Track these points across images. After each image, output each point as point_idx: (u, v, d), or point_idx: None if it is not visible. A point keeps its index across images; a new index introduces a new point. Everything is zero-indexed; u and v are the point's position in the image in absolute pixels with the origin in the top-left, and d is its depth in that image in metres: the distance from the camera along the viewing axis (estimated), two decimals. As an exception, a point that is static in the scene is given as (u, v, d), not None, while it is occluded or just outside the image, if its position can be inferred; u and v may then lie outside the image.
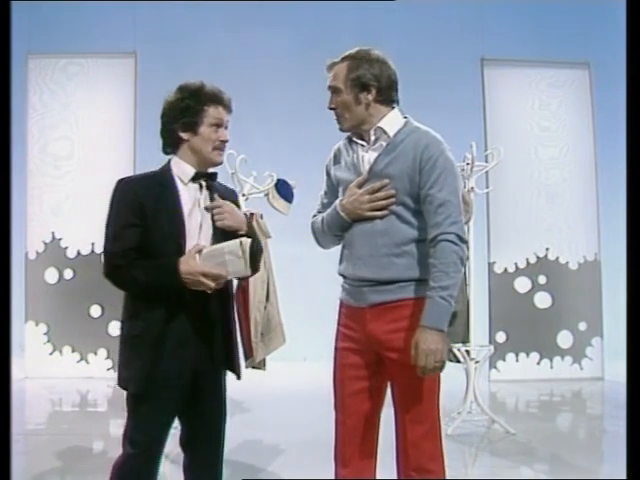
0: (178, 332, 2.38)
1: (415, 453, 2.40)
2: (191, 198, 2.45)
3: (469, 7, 7.32)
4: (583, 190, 7.15)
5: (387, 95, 2.44)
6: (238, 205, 2.61)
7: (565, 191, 7.13)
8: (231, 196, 2.61)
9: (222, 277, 2.34)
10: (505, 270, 7.01)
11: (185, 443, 2.56)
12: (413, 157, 2.36)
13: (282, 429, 5.03)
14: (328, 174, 2.58)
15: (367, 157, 2.44)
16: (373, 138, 2.43)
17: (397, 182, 2.36)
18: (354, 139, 2.48)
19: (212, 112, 2.45)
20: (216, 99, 2.47)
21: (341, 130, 2.49)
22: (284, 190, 5.05)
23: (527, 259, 7.02)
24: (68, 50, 7.16)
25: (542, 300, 7.01)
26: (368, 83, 2.39)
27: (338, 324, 2.55)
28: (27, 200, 7.02)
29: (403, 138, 2.40)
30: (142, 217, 2.37)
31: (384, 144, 2.41)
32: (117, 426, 4.75)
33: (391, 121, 2.43)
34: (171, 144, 2.50)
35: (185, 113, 2.43)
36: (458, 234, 2.32)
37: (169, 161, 2.51)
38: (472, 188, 5.11)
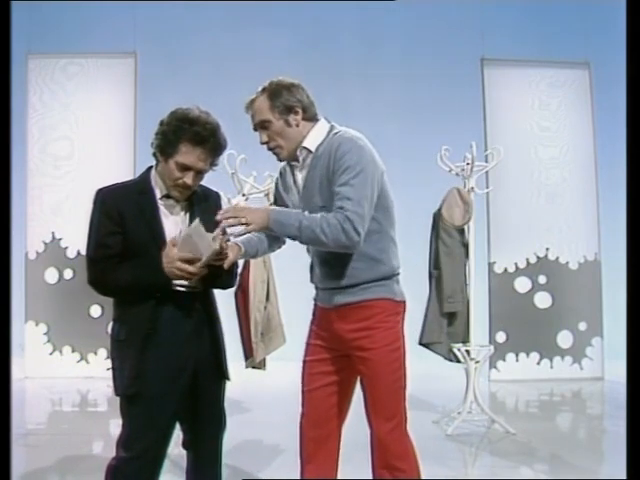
0: (165, 335, 2.40)
1: (383, 451, 2.47)
2: (169, 208, 2.46)
3: (469, 7, 7.32)
4: (583, 190, 7.15)
5: (311, 112, 2.51)
6: (220, 207, 2.56)
7: (565, 191, 7.13)
8: (214, 199, 2.59)
9: (197, 259, 2.33)
10: (505, 270, 7.01)
11: (186, 446, 2.57)
12: (327, 163, 2.42)
13: (282, 429, 5.02)
14: (277, 190, 2.68)
15: (300, 177, 2.53)
16: (301, 159, 2.51)
17: (326, 191, 2.42)
18: (287, 161, 2.56)
19: (184, 153, 2.35)
20: (198, 140, 2.35)
21: (280, 160, 2.56)
22: (284, 190, 5.05)
23: (527, 259, 7.02)
24: (68, 50, 7.16)
25: (542, 300, 7.01)
26: (293, 105, 2.46)
27: (311, 322, 2.65)
28: (27, 200, 7.02)
29: (323, 149, 2.46)
30: (121, 224, 2.39)
31: (309, 161, 2.49)
32: (117, 426, 4.72)
33: (315, 135, 2.50)
34: (154, 157, 2.48)
35: (163, 137, 2.38)
36: (351, 218, 2.31)
37: (149, 170, 2.51)
38: (472, 188, 5.11)
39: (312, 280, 2.60)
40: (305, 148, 2.49)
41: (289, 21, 7.75)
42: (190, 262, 2.33)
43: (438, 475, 3.84)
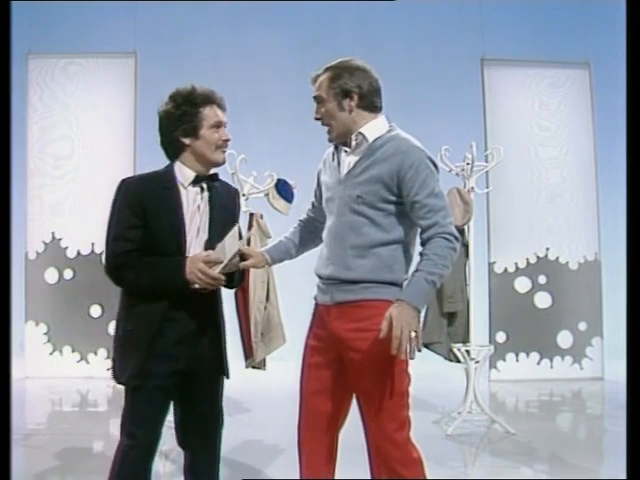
0: (172, 331, 2.41)
1: (383, 456, 2.42)
2: (191, 201, 2.47)
3: (469, 7, 7.32)
4: (583, 190, 7.14)
5: (370, 101, 2.49)
6: (238, 204, 2.66)
7: (565, 191, 7.12)
8: (232, 196, 2.63)
9: (220, 261, 2.39)
10: (505, 270, 7.01)
11: (183, 444, 2.57)
12: (391, 164, 2.40)
13: (282, 429, 5.00)
14: (318, 177, 2.66)
15: (347, 161, 2.49)
16: (354, 143, 2.48)
17: (371, 186, 2.41)
18: (339, 145, 2.55)
19: (209, 113, 2.47)
20: (210, 100, 2.48)
21: (330, 141, 2.55)
22: (284, 190, 5.06)
23: (527, 259, 7.02)
24: (68, 50, 7.15)
25: (542, 300, 7.01)
26: (350, 90, 2.45)
27: (311, 322, 2.62)
28: (27, 200, 7.01)
29: (382, 144, 2.45)
30: (144, 218, 2.40)
31: (363, 149, 2.47)
32: (117, 426, 4.73)
33: (373, 127, 2.48)
34: (174, 152, 2.50)
35: (183, 119, 2.45)
36: (453, 233, 2.37)
37: (171, 164, 2.52)
38: (472, 188, 5.11)
39: (317, 270, 2.54)
40: (362, 134, 2.46)
41: (289, 21, 7.75)
42: (213, 265, 2.36)
43: (438, 475, 3.83)
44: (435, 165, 2.47)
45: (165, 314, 2.40)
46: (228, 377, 2.58)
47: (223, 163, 2.54)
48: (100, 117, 7.08)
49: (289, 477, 3.90)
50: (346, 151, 2.51)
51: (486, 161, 5.44)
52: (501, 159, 5.30)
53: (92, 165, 6.95)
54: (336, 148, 2.56)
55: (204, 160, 2.49)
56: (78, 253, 6.96)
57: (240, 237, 2.46)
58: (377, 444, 2.43)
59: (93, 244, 6.83)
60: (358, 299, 2.42)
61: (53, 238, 7.03)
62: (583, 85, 7.22)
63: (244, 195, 4.88)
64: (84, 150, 7.05)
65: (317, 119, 2.51)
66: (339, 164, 2.51)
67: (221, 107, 2.51)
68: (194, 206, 2.47)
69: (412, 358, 2.35)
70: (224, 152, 2.52)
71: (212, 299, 2.52)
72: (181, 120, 2.44)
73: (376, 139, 2.45)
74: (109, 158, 6.96)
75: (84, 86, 7.13)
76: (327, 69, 2.50)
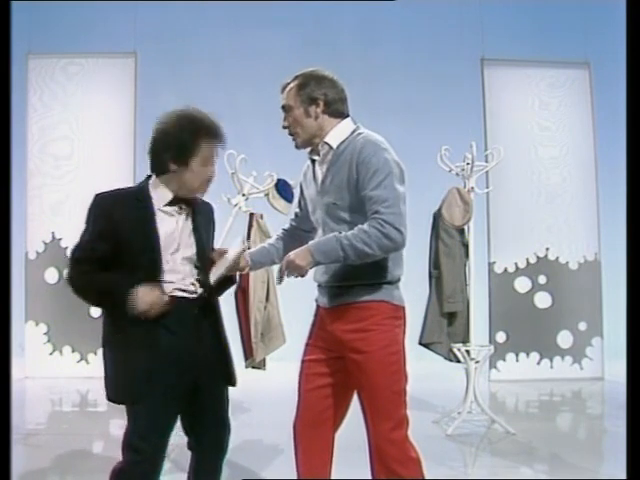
0: (170, 342, 2.39)
1: (381, 455, 2.44)
2: (166, 217, 2.44)
3: (469, 7, 7.32)
4: (583, 190, 7.15)
5: (335, 107, 2.54)
6: (213, 220, 2.63)
7: (565, 191, 7.13)
8: (207, 211, 2.61)
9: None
10: (505, 270, 7.01)
11: (191, 447, 2.58)
12: (349, 164, 2.44)
13: (282, 429, 5.00)
14: (301, 188, 2.73)
15: (319, 171, 2.56)
16: (322, 153, 2.54)
17: (341, 192, 2.46)
18: (310, 155, 2.60)
19: (205, 149, 2.41)
20: (212, 134, 2.43)
21: (296, 147, 2.60)
22: (284, 190, 5.06)
23: (527, 259, 7.02)
24: (68, 50, 7.16)
25: (542, 300, 7.01)
26: (316, 97, 2.52)
27: (312, 324, 2.66)
28: (27, 200, 7.02)
29: (344, 148, 2.49)
30: (115, 230, 2.36)
31: (330, 157, 2.51)
32: (117, 426, 4.75)
33: (337, 133, 2.52)
34: (157, 169, 2.46)
35: (179, 145, 2.38)
36: (389, 221, 2.33)
37: (147, 179, 2.49)
38: (472, 188, 5.11)
39: (315, 277, 2.59)
40: (326, 143, 2.52)
41: (289, 21, 7.74)
42: (153, 306, 2.33)
43: (438, 475, 3.84)
44: (395, 161, 2.45)
45: (162, 325, 2.38)
46: (234, 385, 2.57)
47: (204, 194, 2.52)
48: (100, 117, 7.08)
49: (289, 477, 3.91)
50: (315, 160, 2.57)
51: (486, 161, 5.44)
52: (501, 159, 5.30)
53: (92, 165, 6.96)
54: (312, 161, 2.61)
55: (186, 189, 2.45)
56: (78, 253, 6.96)
57: (243, 250, 2.51)
58: (375, 443, 2.46)
59: (93, 244, 6.83)
60: (356, 301, 2.46)
61: (53, 238, 7.04)
62: (583, 85, 7.22)
63: (244, 195, 4.88)
64: (84, 150, 7.06)
65: (284, 127, 2.58)
66: (314, 175, 2.58)
67: (221, 143, 2.47)
68: (171, 221, 2.44)
69: (279, 283, 2.47)
70: (208, 186, 2.48)
71: (209, 307, 2.51)
72: (176, 146, 2.39)
73: (340, 144, 2.50)
74: (109, 158, 6.97)
75: (84, 86, 7.13)
76: (295, 78, 2.56)
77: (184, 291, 2.44)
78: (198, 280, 2.47)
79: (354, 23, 7.80)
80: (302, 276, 2.40)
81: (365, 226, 2.34)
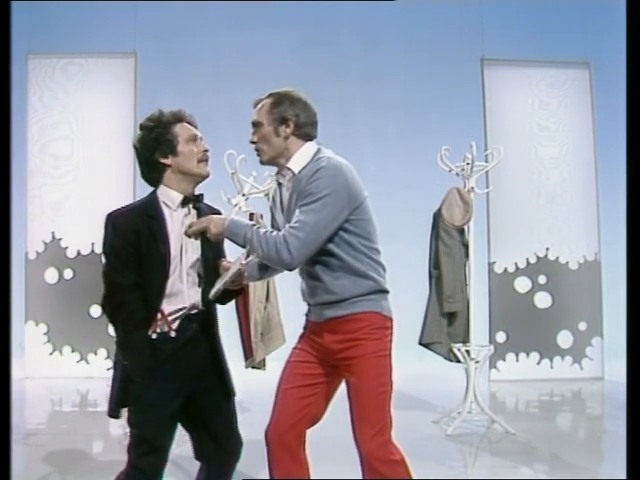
0: (168, 357, 2.43)
1: (368, 458, 2.47)
2: (178, 224, 2.47)
3: (469, 7, 7.32)
4: (583, 190, 7.15)
5: (305, 130, 2.55)
6: None
7: (565, 191, 7.13)
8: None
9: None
10: (505, 270, 7.01)
11: (199, 458, 2.64)
12: (304, 189, 2.45)
13: (282, 429, 5.01)
14: (271, 213, 2.74)
15: (285, 196, 2.59)
16: (286, 179, 2.56)
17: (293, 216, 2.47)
18: (277, 178, 2.63)
19: (180, 130, 2.49)
20: (178, 118, 2.51)
21: (261, 163, 2.62)
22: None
23: (527, 259, 7.02)
24: (68, 50, 7.16)
25: (542, 300, 7.01)
26: (287, 117, 2.51)
27: (301, 335, 2.69)
28: (27, 200, 7.02)
29: (305, 174, 2.49)
30: (137, 245, 2.41)
31: (292, 182, 2.53)
32: (117, 426, 4.75)
33: (300, 157, 2.53)
34: (156, 176, 2.51)
35: (158, 140, 2.47)
36: (288, 241, 2.36)
37: (155, 190, 2.53)
38: (472, 188, 5.11)
39: (303, 298, 2.64)
40: (289, 169, 2.53)
41: (289, 21, 7.75)
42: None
43: (438, 475, 3.85)
44: (345, 186, 2.43)
45: (161, 348, 2.42)
46: (234, 394, 2.64)
47: (208, 176, 2.54)
48: (100, 117, 7.09)
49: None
50: (283, 185, 2.59)
51: (486, 161, 5.44)
52: (501, 159, 5.30)
53: (92, 165, 6.96)
54: (279, 184, 2.63)
55: (188, 176, 2.49)
56: (78, 253, 6.97)
57: (241, 269, 2.52)
58: (360, 446, 2.49)
59: (93, 244, 6.83)
60: (347, 313, 2.50)
61: (53, 238, 7.04)
62: (583, 85, 7.22)
63: (244, 195, 4.88)
64: (84, 150, 7.06)
65: (251, 142, 2.58)
66: (281, 200, 2.61)
67: (191, 123, 2.53)
68: (181, 228, 2.47)
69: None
70: (207, 164, 2.53)
71: (207, 320, 2.54)
72: (157, 141, 2.47)
73: (301, 170, 2.50)
74: (109, 158, 6.97)
75: (84, 86, 7.13)
76: (270, 95, 2.56)
77: (184, 308, 2.47)
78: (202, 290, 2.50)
79: (354, 23, 7.80)
80: (200, 232, 2.45)
81: (275, 233, 2.41)
